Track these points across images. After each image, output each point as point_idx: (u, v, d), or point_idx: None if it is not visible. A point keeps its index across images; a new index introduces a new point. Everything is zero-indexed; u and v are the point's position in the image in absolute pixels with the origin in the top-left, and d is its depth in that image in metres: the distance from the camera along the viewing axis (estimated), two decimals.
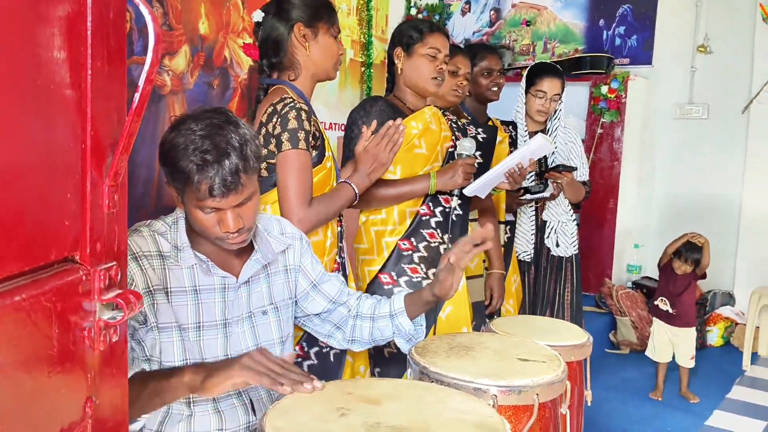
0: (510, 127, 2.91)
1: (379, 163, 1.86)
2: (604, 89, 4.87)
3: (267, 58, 1.88)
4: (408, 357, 1.30)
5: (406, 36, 2.16)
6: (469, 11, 5.67)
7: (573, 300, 2.96)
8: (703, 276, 3.63)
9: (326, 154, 1.83)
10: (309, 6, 1.85)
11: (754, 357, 4.22)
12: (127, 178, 0.81)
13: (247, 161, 1.28)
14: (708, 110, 4.81)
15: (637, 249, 5.04)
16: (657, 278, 4.63)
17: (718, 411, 3.39)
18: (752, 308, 4.12)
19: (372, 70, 5.09)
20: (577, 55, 5.07)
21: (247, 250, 1.44)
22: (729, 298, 4.65)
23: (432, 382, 1.15)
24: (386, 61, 2.31)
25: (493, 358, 1.25)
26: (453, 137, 2.25)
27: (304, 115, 1.72)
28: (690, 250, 3.56)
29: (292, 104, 1.72)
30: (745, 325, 4.27)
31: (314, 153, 1.78)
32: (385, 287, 2.07)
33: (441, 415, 0.97)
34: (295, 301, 1.56)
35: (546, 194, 2.74)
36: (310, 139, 1.74)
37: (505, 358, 1.25)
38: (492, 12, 5.57)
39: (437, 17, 5.62)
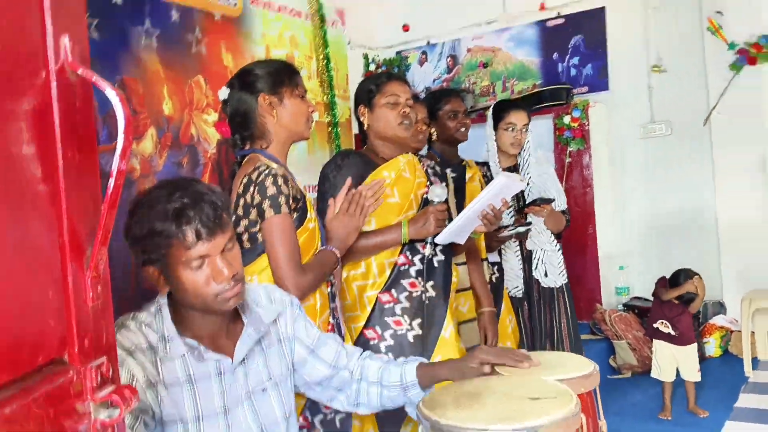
0: (485, 167, 2.94)
1: (350, 230, 1.88)
2: (567, 119, 4.97)
3: (238, 132, 1.89)
4: (417, 413, 1.26)
5: (365, 92, 2.19)
6: (427, 60, 5.79)
7: (570, 329, 2.93)
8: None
9: (308, 215, 1.82)
10: (270, 74, 1.87)
11: (755, 362, 4.21)
12: (108, 268, 0.79)
13: (223, 202, 1.28)
14: (671, 126, 4.92)
15: (622, 270, 5.05)
16: (646, 297, 4.65)
17: (730, 422, 3.35)
18: (745, 314, 4.13)
19: (338, 129, 5.14)
20: (536, 90, 5.18)
21: (238, 326, 1.41)
22: (720, 308, 4.66)
23: None
24: (351, 119, 2.34)
25: (503, 401, 1.22)
26: (428, 183, 2.25)
27: (280, 180, 1.71)
28: (687, 300, 3.60)
29: (267, 171, 1.72)
30: (740, 331, 4.27)
31: (295, 215, 1.77)
32: (371, 343, 2.04)
33: None
34: (294, 370, 1.51)
35: (521, 230, 2.74)
36: (290, 201, 1.74)
37: (516, 399, 1.22)
38: (449, 59, 5.70)
39: (396, 70, 5.73)
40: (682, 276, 3.59)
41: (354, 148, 4.74)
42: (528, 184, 2.93)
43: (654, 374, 3.63)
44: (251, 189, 1.71)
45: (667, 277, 3.67)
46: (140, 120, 3.44)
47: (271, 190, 1.70)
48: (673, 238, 4.92)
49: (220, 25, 3.97)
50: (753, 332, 4.23)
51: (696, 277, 3.57)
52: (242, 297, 1.34)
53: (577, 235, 4.75)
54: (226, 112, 1.91)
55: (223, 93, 1.90)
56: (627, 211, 5.13)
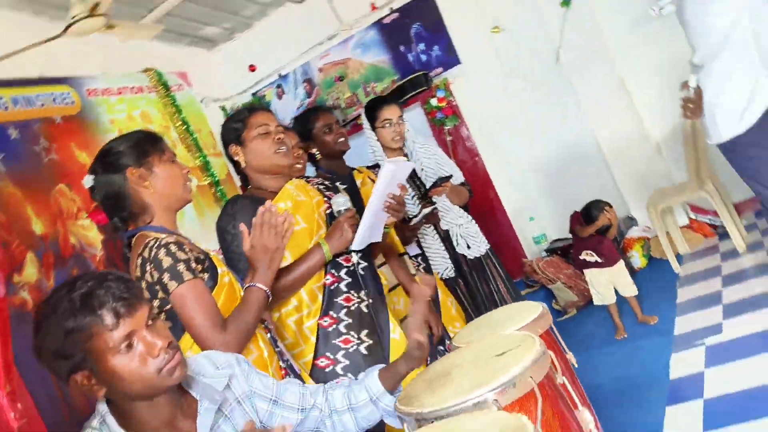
0: (376, 169, 2.94)
1: (272, 252, 1.79)
2: (434, 102, 5.10)
3: (116, 215, 1.79)
4: (397, 415, 1.23)
5: (232, 131, 2.14)
6: (284, 92, 5.77)
7: (509, 289, 2.99)
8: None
9: (219, 271, 1.75)
10: (132, 147, 1.79)
11: (679, 258, 4.45)
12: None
13: (129, 275, 1.20)
14: (526, 77, 5.13)
15: (533, 221, 5.22)
16: (563, 237, 4.82)
17: (678, 318, 3.51)
18: (654, 218, 4.35)
19: (222, 187, 5.02)
20: (396, 85, 5.27)
21: (192, 404, 1.32)
22: (631, 221, 4.90)
23: (431, 422, 1.09)
24: (231, 174, 2.27)
25: (472, 369, 1.21)
26: (325, 199, 2.22)
27: (174, 247, 1.63)
28: (604, 230, 3.76)
29: (157, 243, 1.63)
30: (656, 236, 4.50)
31: (206, 275, 1.69)
32: (327, 371, 1.98)
33: None
34: (264, 426, 1.44)
35: (427, 211, 2.76)
36: (193, 264, 1.65)
37: (483, 362, 1.21)
38: (305, 84, 5.70)
39: None
40: (593, 210, 3.73)
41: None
42: (422, 169, 2.96)
43: (596, 302, 3.75)
44: (148, 268, 1.62)
45: (578, 209, 3.82)
46: (13, 250, 3.21)
47: (167, 262, 1.61)
48: (566, 175, 5.13)
49: (63, 127, 3.78)
50: (667, 232, 4.46)
51: (607, 207, 3.72)
52: (185, 365, 1.25)
53: (482, 203, 4.86)
54: (96, 199, 1.81)
55: (88, 181, 1.79)
56: (517, 165, 5.30)
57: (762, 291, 3.32)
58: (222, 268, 1.77)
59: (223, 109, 5.66)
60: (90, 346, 1.15)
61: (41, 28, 3.31)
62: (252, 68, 5.67)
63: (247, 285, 1.77)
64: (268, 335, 1.82)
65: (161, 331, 1.22)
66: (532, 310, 1.48)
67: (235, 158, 2.13)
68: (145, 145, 1.81)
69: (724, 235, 4.41)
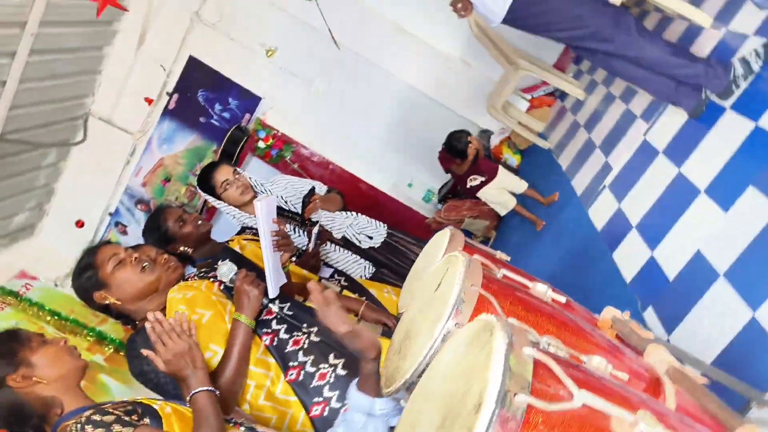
0: (245, 232, 2.86)
1: (187, 353, 1.71)
2: (262, 144, 5.06)
3: (26, 429, 1.62)
4: (392, 401, 1.19)
5: (86, 282, 1.96)
6: (126, 225, 5.54)
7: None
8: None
9: (156, 407, 1.62)
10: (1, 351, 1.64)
11: (542, 136, 4.66)
12: None
13: None
14: (324, 72, 5.18)
15: (412, 186, 5.30)
16: (445, 180, 4.93)
17: (573, 181, 3.67)
18: (501, 118, 4.53)
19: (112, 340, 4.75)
20: (219, 152, 5.18)
21: None
22: (486, 133, 5.08)
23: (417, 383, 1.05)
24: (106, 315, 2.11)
25: (423, 317, 1.18)
26: (212, 280, 2.12)
27: (97, 416, 1.50)
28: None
29: (79, 426, 1.49)
30: (513, 131, 4.69)
31: (146, 419, 1.56)
32: (325, 414, 1.88)
33: None
34: None
35: (315, 231, 2.74)
36: (126, 418, 1.52)
37: (427, 306, 1.19)
38: (140, 206, 5.50)
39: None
40: (455, 142, 3.83)
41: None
42: (285, 201, 2.92)
43: (503, 212, 3.87)
44: (89, 427, 1.48)
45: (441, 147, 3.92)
46: None
47: (101, 429, 1.48)
48: (412, 131, 5.25)
49: None
50: (519, 122, 4.66)
51: (466, 135, 3.84)
52: None
53: (361, 199, 4.88)
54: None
55: None
56: (366, 148, 5.35)
57: (619, 115, 3.53)
58: (157, 403, 1.65)
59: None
60: None
61: None
62: (80, 224, 5.40)
63: (187, 398, 1.65)
64: (242, 429, 1.71)
65: None
66: (440, 239, 1.47)
67: (106, 302, 1.98)
68: (8, 346, 1.65)
69: (562, 95, 4.66)
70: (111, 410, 1.54)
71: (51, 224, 5.43)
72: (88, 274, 1.96)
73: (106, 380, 4.66)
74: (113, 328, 4.78)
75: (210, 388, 1.65)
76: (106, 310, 2.01)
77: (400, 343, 1.23)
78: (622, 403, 0.81)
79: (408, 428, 0.95)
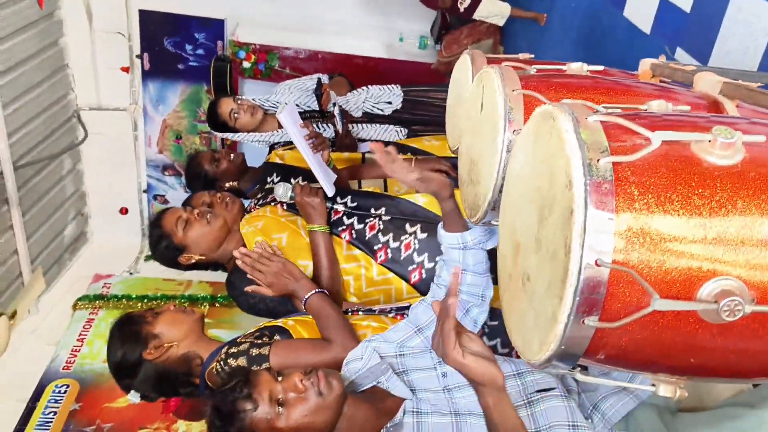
0: (276, 146, 2.87)
1: (284, 271, 1.82)
2: (247, 65, 4.99)
3: (179, 389, 1.79)
4: (476, 224, 1.25)
5: (167, 252, 2.09)
6: (164, 195, 5.66)
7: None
8: None
9: (280, 323, 1.76)
10: (126, 341, 1.79)
11: None
12: None
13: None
14: None
15: (403, 41, 5.18)
16: (435, 18, 4.80)
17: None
18: None
19: (219, 297, 4.98)
20: (212, 89, 5.10)
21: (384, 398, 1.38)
22: None
23: (494, 206, 1.11)
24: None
25: (480, 136, 1.22)
26: (273, 203, 2.20)
27: (233, 350, 1.66)
28: None
29: (223, 362, 1.65)
30: None
31: (276, 337, 1.69)
32: (424, 277, 1.99)
33: None
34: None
35: (336, 113, 2.76)
36: (258, 341, 1.67)
37: (480, 125, 1.22)
38: (167, 171, 5.59)
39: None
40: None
41: None
42: (297, 104, 2.93)
43: (503, 21, 3.77)
44: (231, 360, 1.63)
45: None
46: None
47: (243, 362, 1.62)
48: None
49: None
50: None
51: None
52: (336, 374, 1.33)
53: (362, 74, 4.74)
54: (153, 398, 1.80)
55: (134, 396, 1.79)
56: (335, 25, 5.20)
57: None
58: (279, 321, 1.78)
59: None
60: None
61: None
62: (124, 211, 5.55)
63: (303, 309, 1.78)
64: (360, 313, 1.84)
65: (288, 372, 1.30)
66: (462, 66, 1.47)
67: (194, 261, 2.09)
68: (129, 330, 1.79)
69: None
70: (243, 340, 1.68)
71: (98, 224, 5.59)
72: (164, 245, 2.06)
73: (216, 333, 4.96)
74: (200, 288, 5.01)
75: (318, 290, 1.76)
76: (195, 266, 2.12)
77: (468, 173, 1.28)
78: (696, 129, 0.84)
79: (508, 240, 1.02)
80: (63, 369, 4.15)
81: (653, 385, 0.89)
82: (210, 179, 2.62)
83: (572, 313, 0.78)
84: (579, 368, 0.91)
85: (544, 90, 1.11)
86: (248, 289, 1.88)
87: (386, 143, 2.83)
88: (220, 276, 2.26)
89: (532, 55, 1.47)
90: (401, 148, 2.76)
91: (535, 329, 0.88)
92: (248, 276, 1.91)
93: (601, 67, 1.23)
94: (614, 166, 0.78)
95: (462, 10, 3.89)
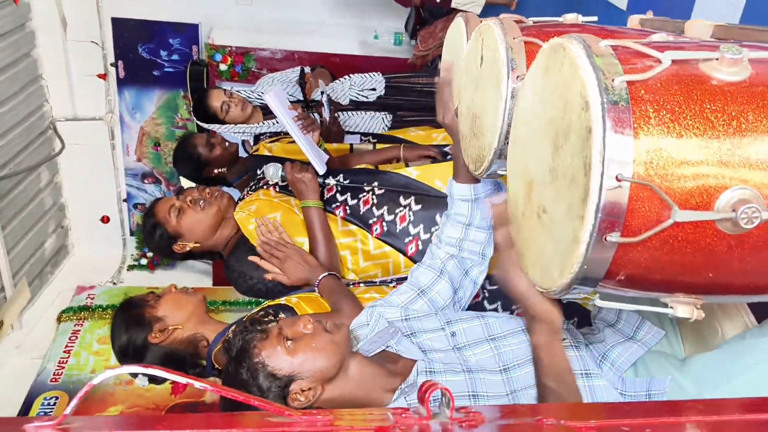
0: (262, 137, 2.88)
1: (299, 261, 1.84)
2: (223, 67, 4.96)
3: (188, 368, 1.79)
4: (483, 177, 1.26)
5: (160, 241, 2.08)
6: (144, 205, 5.61)
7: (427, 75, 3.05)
8: None
9: (283, 301, 1.76)
10: (129, 325, 1.79)
11: None
12: None
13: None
14: None
15: (378, 38, 5.21)
16: (409, 13, 4.82)
17: None
18: None
19: None
20: (190, 95, 5.08)
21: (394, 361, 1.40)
22: None
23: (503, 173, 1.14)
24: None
25: (482, 89, 1.23)
26: (264, 187, 2.20)
27: (240, 328, 1.65)
28: None
29: (235, 339, 1.64)
30: None
31: (281, 315, 1.69)
32: (420, 249, 2.00)
33: None
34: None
35: (324, 101, 2.76)
36: (266, 319, 1.66)
37: (480, 78, 1.23)
38: (147, 180, 5.54)
39: None
40: None
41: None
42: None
43: (479, 9, 3.81)
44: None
45: None
46: None
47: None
48: None
49: None
50: None
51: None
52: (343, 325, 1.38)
53: (339, 72, 4.79)
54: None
55: (142, 380, 1.78)
56: (310, 25, 5.21)
57: None
58: (282, 299, 1.79)
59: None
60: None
61: None
62: (105, 219, 5.49)
63: (316, 291, 1.79)
64: (361, 285, 1.85)
65: (296, 320, 1.36)
66: (456, 28, 1.49)
67: (188, 249, 2.08)
68: (132, 314, 1.78)
69: None
70: (249, 319, 1.67)
71: (79, 235, 5.51)
72: (158, 233, 2.05)
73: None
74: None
75: (327, 273, 1.78)
76: (190, 256, 2.11)
77: (470, 128, 1.30)
78: (702, 48, 0.87)
79: (519, 181, 1.03)
80: (51, 381, 4.07)
81: (671, 307, 0.91)
82: (200, 163, 2.61)
83: (594, 231, 0.80)
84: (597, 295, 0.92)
85: (544, 38, 1.13)
86: (267, 276, 1.89)
87: (370, 137, 2.87)
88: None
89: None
90: (388, 139, 2.78)
91: (555, 256, 0.89)
92: (248, 258, 1.92)
93: (595, 18, 1.26)
94: (628, 85, 0.80)
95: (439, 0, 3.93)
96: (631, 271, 0.85)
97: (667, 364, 1.34)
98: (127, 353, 1.72)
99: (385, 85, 3.01)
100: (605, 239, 0.80)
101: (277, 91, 2.19)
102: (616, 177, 0.78)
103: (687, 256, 0.83)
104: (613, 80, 0.80)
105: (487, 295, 1.81)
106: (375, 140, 2.81)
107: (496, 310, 1.82)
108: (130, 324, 1.73)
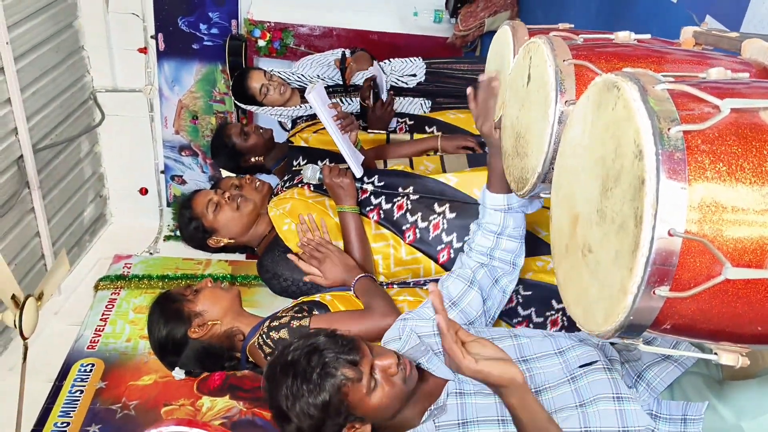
0: (298, 121, 2.87)
1: (337, 262, 1.84)
2: (262, 42, 4.95)
3: (223, 363, 1.82)
4: (523, 197, 1.25)
5: (195, 233, 2.11)
6: (185, 180, 5.68)
7: (469, 59, 3.01)
8: None
9: (317, 298, 1.78)
10: (168, 320, 1.81)
11: None
12: None
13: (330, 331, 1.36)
14: None
15: (418, 15, 5.12)
16: None
17: None
18: None
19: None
20: (230, 69, 5.08)
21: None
22: None
23: (548, 181, 1.11)
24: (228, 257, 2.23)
25: (527, 109, 1.21)
26: (300, 185, 2.20)
27: (275, 323, 1.68)
28: None
29: (266, 335, 1.66)
30: None
31: (315, 311, 1.71)
32: (452, 257, 1.98)
33: None
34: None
35: (364, 84, 2.75)
36: (299, 315, 1.69)
37: (526, 97, 1.21)
38: (183, 152, 5.60)
39: None
40: None
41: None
42: (323, 79, 2.93)
43: None
44: (273, 333, 1.65)
45: None
46: None
47: (285, 334, 1.64)
48: None
49: None
50: None
51: None
52: (412, 364, 1.32)
53: (378, 50, 4.67)
54: (198, 372, 1.83)
55: (179, 373, 1.81)
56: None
57: None
58: (317, 296, 1.80)
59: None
60: (349, 403, 1.20)
61: None
62: (143, 191, 5.59)
63: (353, 284, 1.80)
64: (395, 287, 1.85)
65: (383, 351, 1.28)
66: (502, 38, 1.45)
67: (223, 244, 2.10)
68: (171, 309, 1.81)
69: None
70: (283, 314, 1.69)
71: (117, 205, 5.61)
72: (194, 226, 2.07)
73: None
74: (219, 267, 5.04)
75: (363, 275, 1.79)
76: (223, 249, 2.13)
77: (513, 146, 1.27)
78: (762, 95, 0.83)
79: (565, 211, 1.01)
80: (87, 348, 4.20)
81: (715, 353, 0.89)
82: (237, 152, 2.62)
83: (643, 284, 0.78)
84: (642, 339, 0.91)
85: (594, 60, 1.10)
86: (306, 278, 1.90)
87: (406, 119, 2.84)
88: (239, 255, 2.29)
89: (572, 25, 1.44)
90: (426, 121, 2.75)
91: (600, 301, 0.88)
92: (287, 256, 1.94)
93: (648, 36, 1.21)
94: (684, 134, 0.78)
95: None
96: (677, 321, 0.83)
97: (704, 388, 1.32)
98: (166, 347, 1.76)
99: (426, 71, 2.97)
100: (654, 293, 0.79)
101: (318, 90, 2.17)
102: (669, 232, 0.76)
103: (736, 310, 0.81)
104: (669, 129, 0.77)
105: (521, 300, 1.80)
106: (411, 123, 2.77)
107: (529, 315, 1.81)
108: (170, 318, 1.76)
